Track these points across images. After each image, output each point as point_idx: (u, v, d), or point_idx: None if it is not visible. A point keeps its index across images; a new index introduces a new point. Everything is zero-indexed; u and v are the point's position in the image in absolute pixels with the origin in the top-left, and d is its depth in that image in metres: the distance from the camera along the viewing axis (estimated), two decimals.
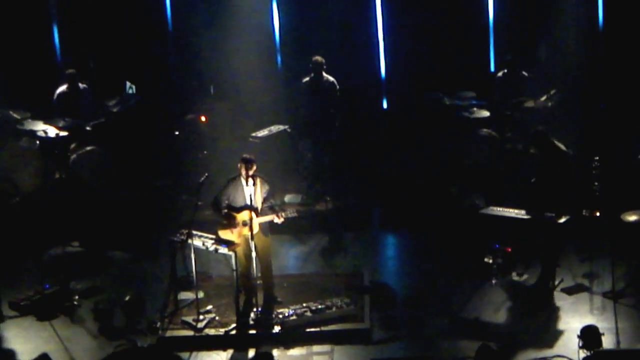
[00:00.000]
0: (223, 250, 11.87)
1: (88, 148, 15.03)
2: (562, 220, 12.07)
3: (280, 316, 11.73)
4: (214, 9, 16.78)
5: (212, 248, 11.95)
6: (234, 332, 11.71)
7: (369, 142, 16.48)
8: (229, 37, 16.49)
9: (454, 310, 12.04)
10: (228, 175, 12.10)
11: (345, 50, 16.73)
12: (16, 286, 12.92)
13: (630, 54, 16.06)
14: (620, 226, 12.56)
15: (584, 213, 12.77)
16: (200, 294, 12.19)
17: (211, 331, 11.75)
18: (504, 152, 15.13)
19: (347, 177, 15.72)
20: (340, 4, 16.76)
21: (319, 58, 15.01)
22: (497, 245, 12.59)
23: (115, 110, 15.73)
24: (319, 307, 11.84)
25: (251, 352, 11.47)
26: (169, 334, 11.77)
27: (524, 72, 15.45)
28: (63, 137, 14.95)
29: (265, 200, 11.96)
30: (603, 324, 11.21)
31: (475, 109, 15.52)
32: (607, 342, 10.63)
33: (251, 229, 11.71)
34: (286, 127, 15.61)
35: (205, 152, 15.62)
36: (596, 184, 12.39)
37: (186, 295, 12.28)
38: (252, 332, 11.73)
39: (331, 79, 15.08)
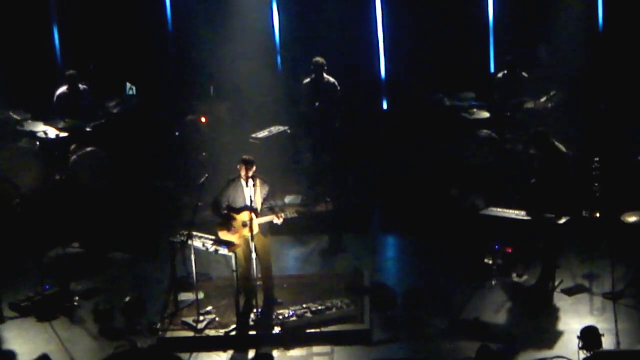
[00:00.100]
0: (223, 251, 11.87)
1: (88, 149, 15.04)
2: (562, 221, 12.06)
3: (280, 317, 11.73)
4: (214, 10, 16.79)
5: (212, 249, 11.95)
6: (234, 332, 11.71)
7: (368, 142, 16.48)
8: (228, 38, 16.49)
9: (454, 311, 12.04)
10: (228, 176, 12.10)
11: (345, 50, 16.73)
12: (16, 287, 12.93)
13: (630, 54, 16.06)
14: (620, 227, 12.56)
15: (583, 214, 12.78)
16: (200, 295, 12.19)
17: (211, 332, 11.75)
18: (504, 152, 15.13)
19: (347, 177, 15.72)
20: (340, 5, 16.78)
21: (319, 59, 15.02)
22: (497, 246, 12.59)
23: (115, 111, 15.75)
24: (319, 308, 11.84)
25: (251, 353, 11.47)
26: (169, 334, 11.78)
27: (523, 73, 15.45)
28: (63, 138, 14.97)
29: (264, 200, 11.97)
30: (603, 324, 11.21)
31: (475, 109, 15.54)
32: (607, 343, 10.64)
33: (251, 230, 11.71)
34: (286, 128, 15.63)
35: (204, 153, 15.60)
36: (596, 184, 12.40)
37: (186, 296, 12.28)
38: (252, 332, 11.74)
39: (332, 80, 15.09)
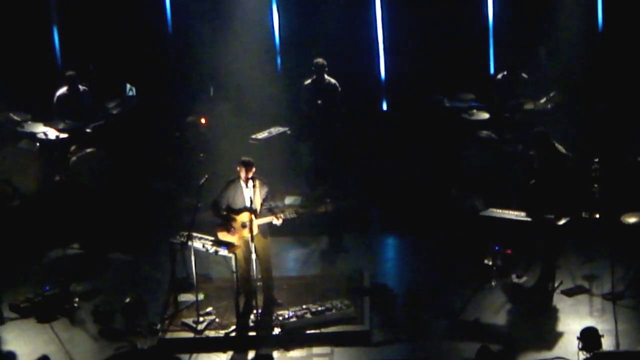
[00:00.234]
0: (223, 252, 11.88)
1: (88, 150, 15.04)
2: (562, 222, 12.06)
3: (280, 318, 11.74)
4: (214, 10, 16.78)
5: (212, 250, 11.96)
6: (234, 334, 11.71)
7: (368, 143, 16.48)
8: (228, 39, 16.49)
9: (454, 312, 12.04)
10: (228, 177, 12.10)
11: (345, 51, 16.72)
12: (16, 288, 12.92)
13: (629, 55, 16.06)
14: (619, 228, 12.57)
15: (583, 215, 12.79)
16: (200, 296, 12.18)
17: (211, 333, 11.75)
18: (504, 153, 15.13)
19: (347, 178, 15.72)
20: (340, 5, 16.76)
21: (320, 60, 15.02)
22: (497, 247, 12.59)
23: (115, 112, 15.76)
24: (319, 309, 11.85)
25: (251, 354, 11.47)
26: (169, 335, 11.79)
27: (523, 74, 15.44)
28: (63, 139, 14.98)
29: (264, 201, 11.98)
30: (603, 325, 11.22)
31: (474, 110, 15.53)
32: (607, 344, 10.62)
33: (251, 231, 11.72)
34: (286, 129, 15.64)
35: (201, 155, 15.56)
36: (596, 185, 12.40)
37: (186, 297, 12.28)
38: (252, 334, 11.74)
39: (333, 81, 15.10)
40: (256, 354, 11.31)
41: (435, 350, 11.37)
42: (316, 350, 11.49)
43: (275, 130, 15.57)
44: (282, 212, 12.20)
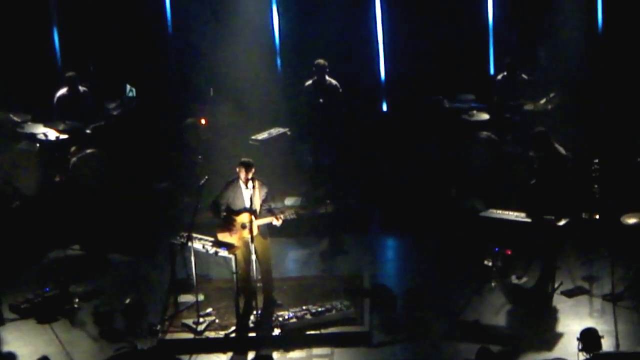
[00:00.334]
0: (223, 252, 11.87)
1: (88, 151, 15.02)
2: (562, 222, 12.07)
3: (280, 319, 11.74)
4: (214, 11, 16.78)
5: (212, 251, 11.95)
6: (234, 334, 11.72)
7: (368, 144, 16.47)
8: (228, 40, 16.49)
9: (454, 312, 12.04)
10: (228, 178, 12.10)
11: (345, 52, 16.72)
12: (16, 289, 12.93)
13: (629, 55, 16.06)
14: (619, 229, 12.56)
15: (583, 216, 12.79)
16: (200, 297, 12.18)
17: (211, 334, 11.76)
18: (504, 154, 15.13)
19: (346, 179, 15.72)
20: (340, 6, 16.76)
21: (321, 61, 15.01)
22: (496, 248, 12.59)
23: (115, 113, 15.75)
24: (319, 309, 11.85)
25: (251, 355, 11.48)
26: (169, 336, 11.80)
27: (523, 75, 15.45)
28: (63, 140, 14.96)
29: (264, 202, 11.98)
30: (602, 326, 11.21)
31: (475, 111, 15.52)
32: (607, 344, 10.61)
33: (251, 232, 11.72)
34: (286, 129, 15.64)
35: (199, 156, 15.53)
36: (596, 186, 12.40)
37: (186, 298, 12.29)
38: (252, 334, 11.74)
39: (334, 82, 15.09)
40: (256, 355, 11.30)
41: (435, 351, 11.38)
42: (316, 351, 11.49)
43: (275, 131, 15.57)
44: (282, 212, 12.19)
